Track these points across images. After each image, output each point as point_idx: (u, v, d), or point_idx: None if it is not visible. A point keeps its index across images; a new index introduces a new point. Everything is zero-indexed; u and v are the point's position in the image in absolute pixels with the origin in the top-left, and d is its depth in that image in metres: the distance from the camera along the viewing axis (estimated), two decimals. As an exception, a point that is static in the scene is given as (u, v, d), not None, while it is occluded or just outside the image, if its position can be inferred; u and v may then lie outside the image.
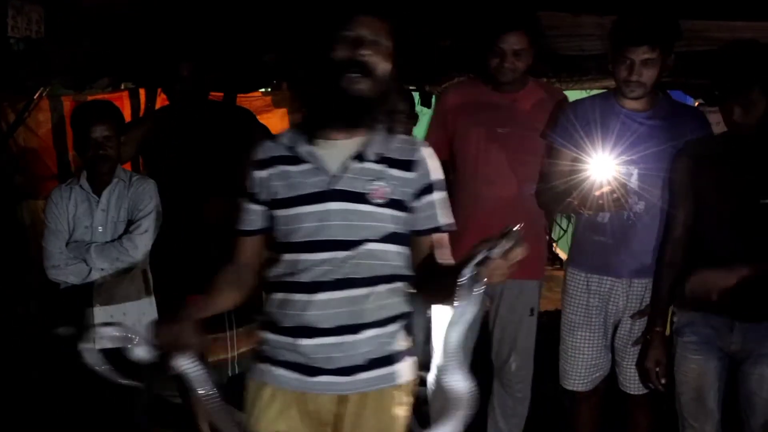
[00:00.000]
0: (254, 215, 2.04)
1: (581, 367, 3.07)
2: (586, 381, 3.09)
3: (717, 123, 2.85)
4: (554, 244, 7.47)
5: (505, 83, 3.16)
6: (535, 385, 4.24)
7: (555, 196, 2.97)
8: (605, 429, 3.32)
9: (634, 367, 2.98)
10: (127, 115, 5.29)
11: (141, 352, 1.92)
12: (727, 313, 2.63)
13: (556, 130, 3.00)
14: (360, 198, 1.92)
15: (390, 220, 1.94)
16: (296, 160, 1.97)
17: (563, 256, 7.07)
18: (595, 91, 3.51)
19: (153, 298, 3.32)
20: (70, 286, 3.20)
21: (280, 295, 1.98)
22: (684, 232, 2.75)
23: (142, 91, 5.31)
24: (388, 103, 1.98)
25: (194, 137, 3.56)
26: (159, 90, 5.18)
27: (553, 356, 3.24)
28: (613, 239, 2.90)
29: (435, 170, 2.01)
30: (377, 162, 1.95)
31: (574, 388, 3.13)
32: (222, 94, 4.80)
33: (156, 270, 3.42)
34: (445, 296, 1.82)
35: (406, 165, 1.97)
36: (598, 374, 3.08)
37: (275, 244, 2.02)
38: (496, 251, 1.65)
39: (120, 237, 3.20)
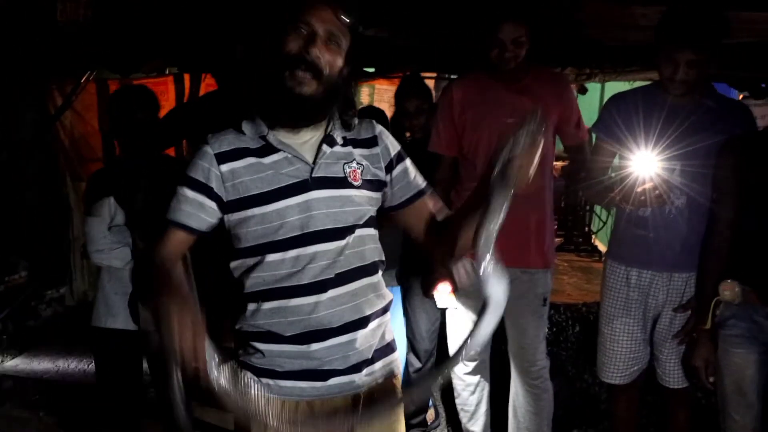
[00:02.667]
0: (203, 212, 1.84)
1: (620, 360, 3.07)
2: (624, 374, 3.08)
3: (762, 117, 2.83)
4: (593, 236, 7.44)
5: (507, 73, 3.15)
6: (572, 378, 4.26)
7: (598, 192, 2.96)
8: (643, 422, 3.33)
9: (673, 361, 2.98)
10: (172, 100, 5.37)
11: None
12: None
13: (599, 125, 2.99)
14: (341, 183, 1.85)
15: (367, 201, 1.89)
16: (265, 150, 1.83)
17: (602, 248, 7.05)
18: (638, 83, 3.48)
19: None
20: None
21: (272, 304, 1.84)
22: (728, 228, 2.74)
23: (186, 76, 5.37)
24: (338, 101, 1.88)
25: None
26: (204, 75, 5.23)
27: (593, 348, 3.24)
28: (654, 233, 2.88)
29: (393, 141, 1.98)
30: (344, 145, 1.89)
31: (613, 381, 3.13)
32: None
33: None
34: (474, 218, 1.72)
35: (370, 142, 1.93)
36: (636, 367, 3.07)
37: (243, 249, 1.86)
38: (519, 146, 1.60)
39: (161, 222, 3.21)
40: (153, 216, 3.13)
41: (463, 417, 3.60)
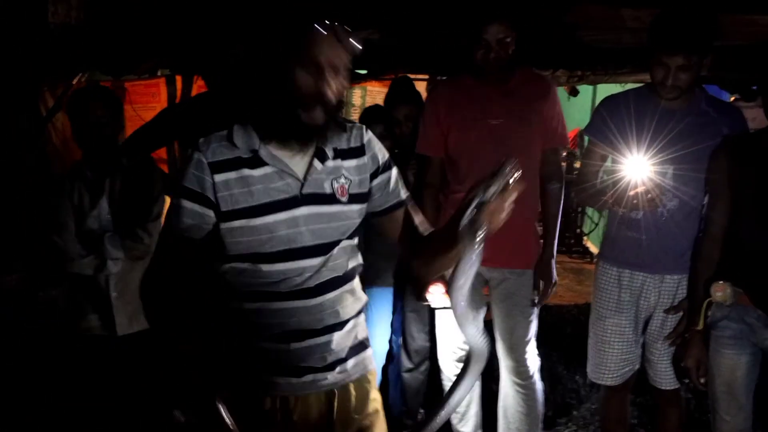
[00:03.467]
0: (204, 223, 1.80)
1: (611, 362, 3.08)
2: (615, 375, 3.09)
3: (753, 119, 2.84)
4: (585, 238, 7.47)
5: (493, 74, 3.16)
6: (563, 378, 4.27)
7: (591, 195, 2.98)
8: (633, 423, 3.34)
9: (665, 362, 3.00)
10: (164, 101, 5.36)
11: None
12: (762, 308, 2.63)
13: (590, 128, 3.00)
14: (330, 199, 1.86)
15: (354, 215, 1.91)
16: (255, 162, 1.80)
17: (594, 249, 7.07)
18: (630, 85, 3.49)
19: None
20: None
21: (255, 305, 1.86)
22: (721, 230, 2.75)
23: (178, 78, 5.35)
24: (336, 118, 1.86)
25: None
26: (195, 77, 5.22)
27: (584, 349, 3.25)
28: (647, 235, 2.89)
29: (381, 149, 1.97)
30: (334, 158, 1.88)
31: (604, 382, 3.14)
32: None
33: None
34: (444, 256, 1.84)
35: (358, 151, 1.92)
36: (627, 368, 3.08)
37: (230, 256, 1.84)
38: (491, 192, 1.63)
39: (132, 225, 3.16)
40: (121, 222, 3.15)
41: (453, 418, 3.60)
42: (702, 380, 2.84)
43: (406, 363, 3.86)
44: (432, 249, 1.90)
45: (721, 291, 2.72)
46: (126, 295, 3.16)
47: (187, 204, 1.79)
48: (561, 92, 4.66)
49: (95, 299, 3.15)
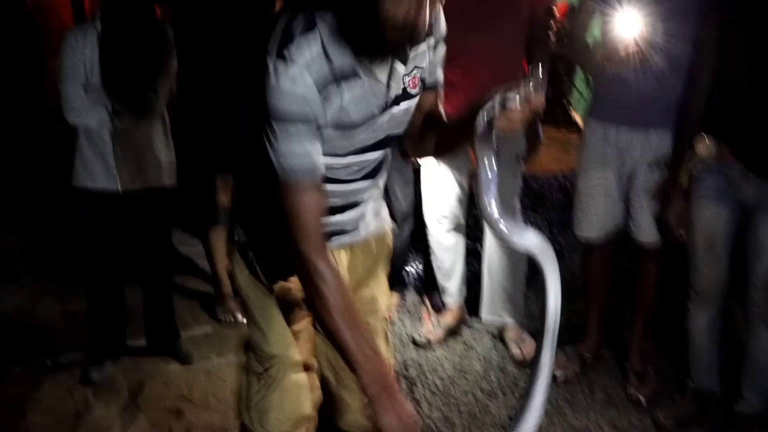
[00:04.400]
0: (316, 151, 1.69)
1: (594, 215, 3.15)
2: (598, 230, 3.17)
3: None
4: (571, 108, 7.45)
5: None
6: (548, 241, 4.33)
7: (578, 51, 2.98)
8: (614, 282, 3.44)
9: (647, 216, 3.06)
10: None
11: None
12: (744, 162, 2.69)
13: None
14: (406, 96, 1.79)
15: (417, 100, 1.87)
16: (351, 76, 1.67)
17: (580, 122, 7.07)
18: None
19: (171, 141, 3.34)
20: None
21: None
22: (706, 86, 2.77)
23: None
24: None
25: None
26: None
27: (566, 214, 3.31)
28: (634, 92, 2.90)
29: (442, 19, 1.85)
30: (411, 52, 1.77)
31: (587, 236, 3.23)
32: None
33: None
34: (455, 145, 1.88)
35: (429, 31, 1.74)
36: (610, 223, 3.16)
37: None
38: (520, 96, 1.51)
39: (139, 82, 3.17)
40: (135, 81, 3.14)
41: (439, 275, 3.71)
42: (682, 233, 2.92)
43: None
44: (443, 139, 1.89)
45: (704, 146, 2.77)
46: (129, 152, 3.19)
47: (303, 129, 1.64)
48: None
49: (99, 152, 3.17)
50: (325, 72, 1.62)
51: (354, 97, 1.69)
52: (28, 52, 5.31)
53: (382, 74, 1.71)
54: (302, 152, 1.66)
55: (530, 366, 1.74)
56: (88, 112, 3.11)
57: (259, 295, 2.01)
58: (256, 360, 2.07)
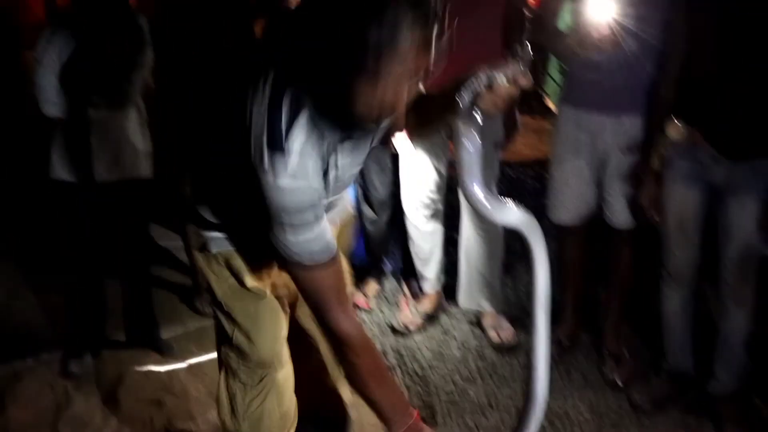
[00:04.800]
0: (326, 226, 1.67)
1: (568, 200, 3.19)
2: (573, 214, 3.21)
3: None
4: (545, 96, 7.50)
5: None
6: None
7: (552, 34, 2.99)
8: (591, 266, 3.47)
9: (621, 201, 3.09)
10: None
11: None
12: (715, 146, 2.72)
13: None
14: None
15: None
16: (345, 138, 1.66)
17: (554, 109, 7.12)
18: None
19: (147, 132, 3.33)
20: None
21: None
22: (678, 70, 2.79)
23: None
24: None
25: None
26: None
27: (542, 200, 3.34)
28: (605, 77, 2.92)
29: None
30: None
31: (562, 220, 3.26)
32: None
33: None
34: (436, 120, 1.83)
35: None
36: (584, 207, 3.19)
37: None
38: (506, 75, 1.51)
39: (116, 75, 3.17)
40: (110, 72, 3.13)
41: (417, 262, 3.74)
42: (656, 217, 2.96)
43: (369, 214, 3.88)
44: (423, 116, 1.83)
45: (676, 130, 2.81)
46: (105, 143, 3.18)
47: (310, 214, 1.59)
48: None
49: (75, 144, 3.16)
50: (322, 150, 1.58)
51: (347, 158, 1.70)
52: (1, 46, 5.27)
53: (370, 128, 1.72)
54: (313, 237, 1.61)
55: (530, 338, 1.76)
56: (63, 103, 3.10)
57: (246, 303, 1.99)
58: (243, 370, 2.06)
